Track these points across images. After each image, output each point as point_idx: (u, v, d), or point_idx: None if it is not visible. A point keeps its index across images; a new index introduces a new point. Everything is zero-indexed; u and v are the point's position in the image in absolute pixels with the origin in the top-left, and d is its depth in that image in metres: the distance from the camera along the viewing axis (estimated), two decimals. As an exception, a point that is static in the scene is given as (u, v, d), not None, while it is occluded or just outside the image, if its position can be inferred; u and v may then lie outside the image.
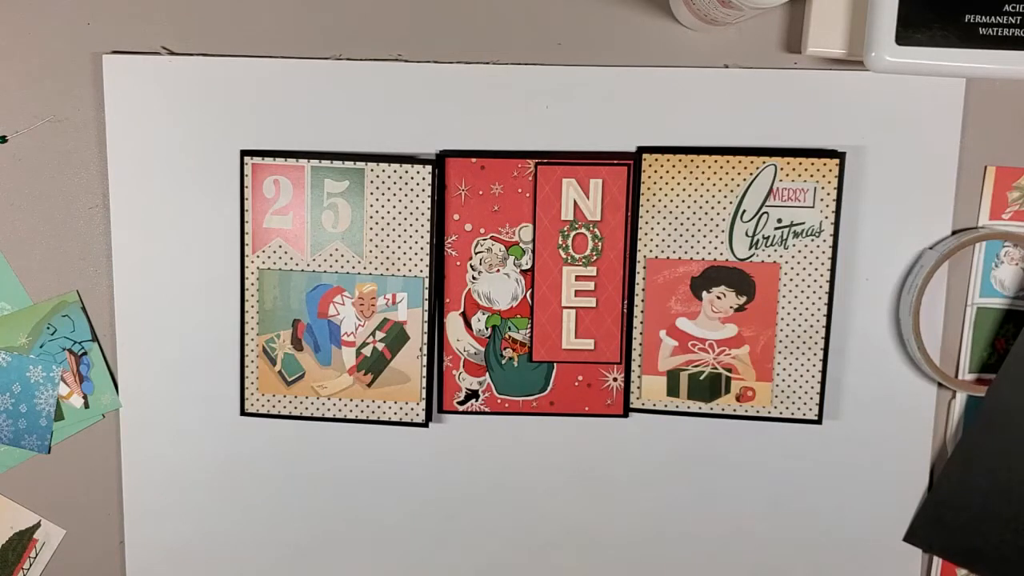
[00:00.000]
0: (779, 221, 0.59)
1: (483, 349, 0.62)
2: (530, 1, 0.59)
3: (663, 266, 0.60)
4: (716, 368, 0.61)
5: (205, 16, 0.60)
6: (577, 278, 0.61)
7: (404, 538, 0.64)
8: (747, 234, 0.60)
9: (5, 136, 0.61)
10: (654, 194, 0.60)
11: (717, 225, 0.60)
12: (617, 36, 0.59)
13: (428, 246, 0.60)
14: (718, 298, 0.60)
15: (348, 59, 0.60)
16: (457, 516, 0.64)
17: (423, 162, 0.59)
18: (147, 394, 0.63)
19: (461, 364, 0.62)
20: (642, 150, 0.60)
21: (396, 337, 0.61)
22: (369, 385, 0.62)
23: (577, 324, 0.61)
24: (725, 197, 0.59)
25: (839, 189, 0.59)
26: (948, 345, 0.61)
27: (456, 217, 0.60)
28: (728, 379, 0.61)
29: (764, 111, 0.59)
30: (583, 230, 0.60)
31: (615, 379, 0.62)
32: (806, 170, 0.59)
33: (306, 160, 0.60)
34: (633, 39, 0.59)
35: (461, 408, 0.62)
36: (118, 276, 0.62)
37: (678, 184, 0.60)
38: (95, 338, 0.63)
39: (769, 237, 0.60)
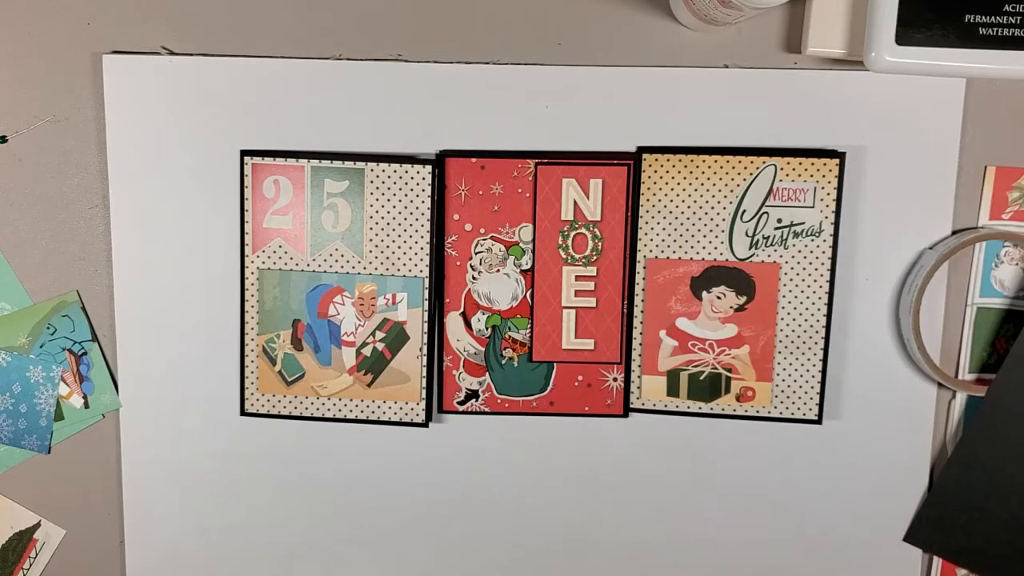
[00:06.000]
0: (779, 221, 0.59)
1: (483, 349, 0.62)
2: (530, 1, 0.59)
3: (663, 266, 0.60)
4: (716, 368, 0.61)
5: (205, 16, 0.60)
6: (577, 278, 0.61)
7: (404, 538, 0.64)
8: (747, 234, 0.60)
9: (5, 136, 0.61)
10: (654, 194, 0.60)
11: (717, 225, 0.60)
12: (617, 36, 0.59)
13: (428, 246, 0.60)
14: (718, 298, 0.60)
15: (348, 59, 0.60)
16: (457, 516, 0.64)
17: (423, 162, 0.59)
18: (147, 394, 0.63)
19: (461, 364, 0.62)
20: (642, 150, 0.60)
21: (396, 337, 0.61)
22: (369, 385, 0.62)
23: (577, 324, 0.61)
24: (725, 197, 0.59)
25: (839, 189, 0.59)
26: (948, 345, 0.61)
27: (456, 217, 0.60)
28: (728, 379, 0.61)
29: (764, 111, 0.59)
30: (583, 230, 0.60)
31: (615, 379, 0.62)
32: (806, 170, 0.59)
33: (306, 160, 0.60)
34: (633, 39, 0.59)
35: (461, 408, 0.62)
36: (118, 276, 0.62)
37: (678, 184, 0.60)
38: (95, 338, 0.63)
39: (769, 237, 0.60)
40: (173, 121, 0.60)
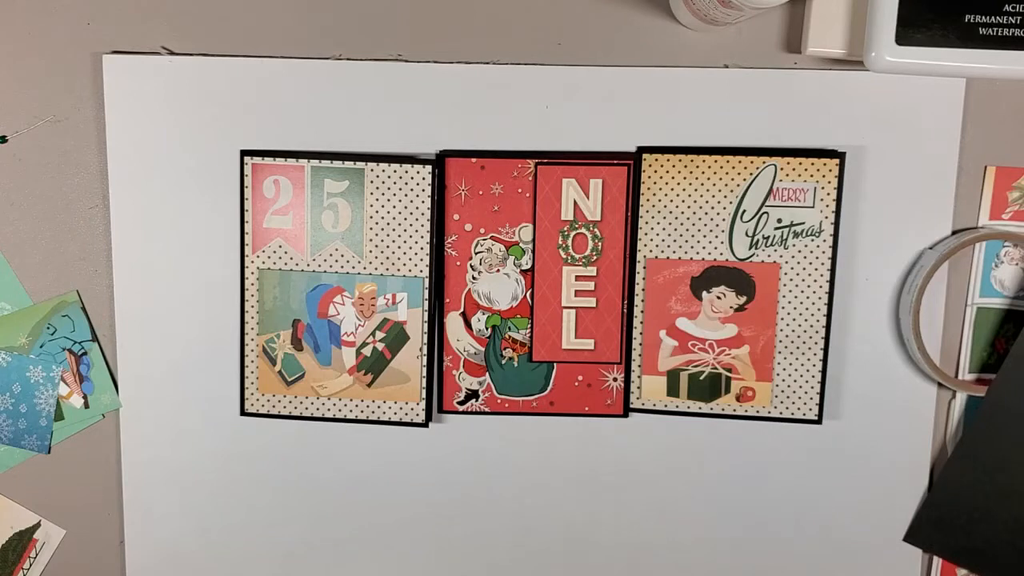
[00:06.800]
0: (779, 221, 0.59)
1: (483, 349, 0.62)
2: (530, 1, 0.59)
3: (663, 266, 0.60)
4: (716, 368, 0.61)
5: (205, 16, 0.60)
6: (577, 278, 0.61)
7: (404, 538, 0.64)
8: (747, 234, 0.60)
9: (5, 136, 0.61)
10: (654, 194, 0.60)
11: (717, 225, 0.60)
12: (617, 36, 0.59)
13: (428, 246, 0.60)
14: (718, 298, 0.60)
15: (348, 59, 0.60)
16: (457, 516, 0.64)
17: (423, 162, 0.59)
18: (147, 394, 0.63)
19: (461, 364, 0.62)
20: (642, 150, 0.60)
21: (396, 337, 0.61)
22: (369, 385, 0.62)
23: (577, 324, 0.61)
24: (725, 197, 0.59)
25: (839, 189, 0.59)
26: (948, 345, 0.61)
27: (456, 217, 0.60)
28: (728, 379, 0.61)
29: (764, 111, 0.59)
30: (583, 230, 0.60)
31: (615, 379, 0.62)
32: (806, 170, 0.59)
33: (306, 160, 0.60)
34: (633, 39, 0.59)
35: (461, 408, 0.62)
36: (118, 276, 0.62)
37: (678, 184, 0.60)
38: (95, 338, 0.63)
39: (769, 237, 0.60)
40: (173, 121, 0.60)
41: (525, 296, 0.61)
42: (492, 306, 0.61)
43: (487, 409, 0.62)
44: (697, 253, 0.60)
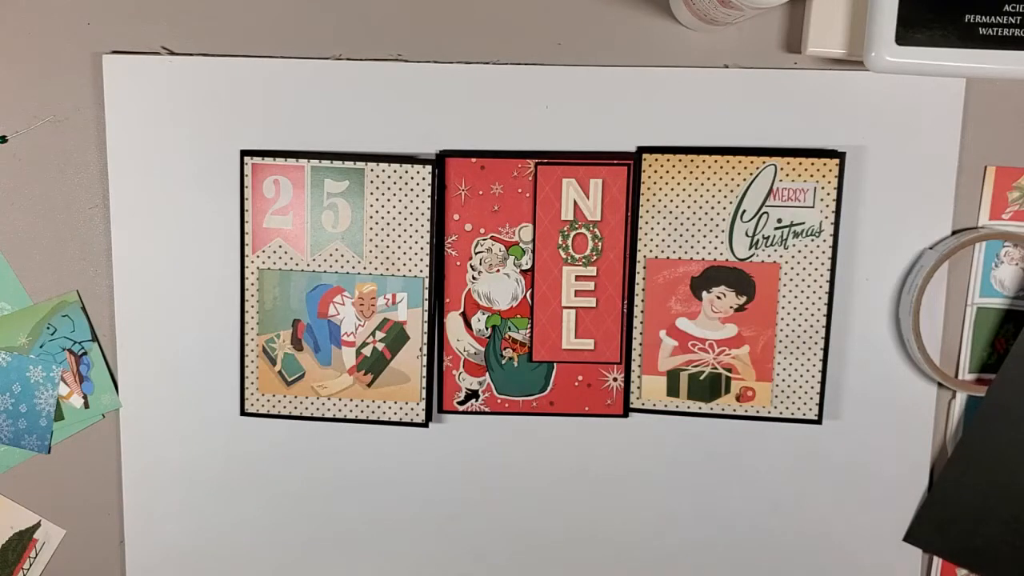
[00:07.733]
0: (779, 221, 0.59)
1: (483, 349, 0.62)
2: (530, 1, 0.59)
3: (663, 266, 0.60)
4: (716, 368, 0.61)
5: (205, 16, 0.60)
6: (577, 278, 0.61)
7: (404, 538, 0.64)
8: (747, 234, 0.60)
9: (5, 136, 0.61)
10: (654, 194, 0.60)
11: (717, 225, 0.60)
12: (617, 36, 0.59)
13: (428, 246, 0.60)
14: (718, 298, 0.60)
15: (348, 59, 0.60)
16: (457, 516, 0.64)
17: (423, 162, 0.59)
18: (147, 394, 0.63)
19: (461, 364, 0.62)
20: (642, 150, 0.60)
21: (396, 337, 0.61)
22: (369, 385, 0.62)
23: (577, 324, 0.61)
24: (725, 197, 0.59)
25: (839, 189, 0.59)
26: (948, 345, 0.61)
27: (456, 217, 0.60)
28: (728, 379, 0.61)
29: (764, 111, 0.59)
30: (583, 230, 0.60)
31: (615, 379, 0.62)
32: (806, 170, 0.59)
33: (306, 160, 0.60)
34: (633, 39, 0.59)
35: (461, 408, 0.62)
36: (118, 276, 0.62)
37: (678, 184, 0.60)
38: (95, 338, 0.63)
39: (769, 237, 0.60)
40: (173, 121, 0.60)
41: (525, 296, 0.61)
42: (492, 306, 0.61)
43: (487, 409, 0.62)
44: (697, 253, 0.60)
